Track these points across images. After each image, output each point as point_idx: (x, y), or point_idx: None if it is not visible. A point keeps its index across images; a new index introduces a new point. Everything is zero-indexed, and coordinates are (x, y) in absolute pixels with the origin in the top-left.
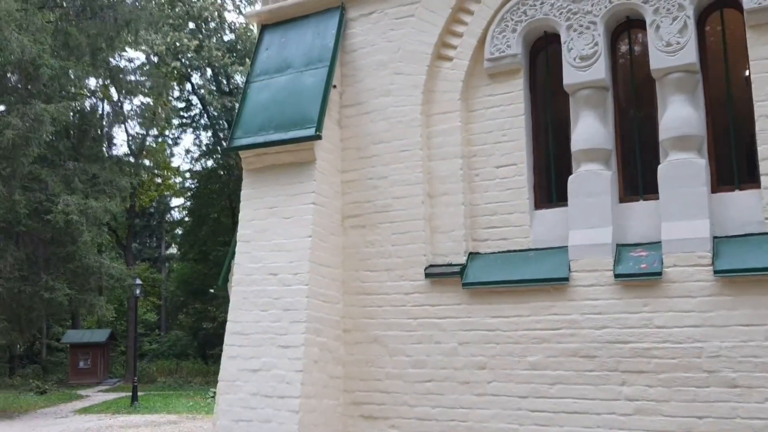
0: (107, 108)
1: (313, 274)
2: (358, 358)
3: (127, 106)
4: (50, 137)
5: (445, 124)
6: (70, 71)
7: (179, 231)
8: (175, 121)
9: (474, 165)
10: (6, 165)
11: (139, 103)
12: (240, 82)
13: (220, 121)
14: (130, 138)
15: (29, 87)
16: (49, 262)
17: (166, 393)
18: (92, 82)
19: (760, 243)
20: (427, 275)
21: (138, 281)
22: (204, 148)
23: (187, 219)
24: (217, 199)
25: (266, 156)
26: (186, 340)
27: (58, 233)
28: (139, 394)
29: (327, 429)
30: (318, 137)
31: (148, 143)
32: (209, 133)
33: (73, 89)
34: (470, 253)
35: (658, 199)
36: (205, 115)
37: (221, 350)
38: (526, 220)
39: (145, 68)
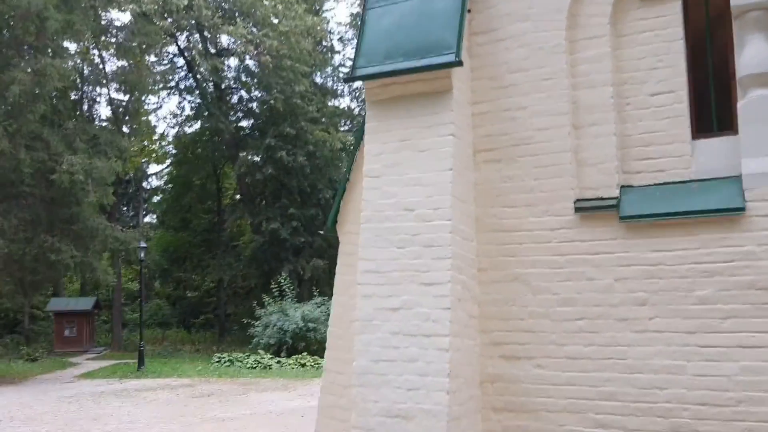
0: (87, 69)
1: (454, 209)
2: (495, 298)
3: (110, 68)
4: (55, 94)
5: (593, 51)
6: (74, 26)
7: (158, 198)
8: (160, 84)
9: (625, 93)
10: (12, 121)
11: (125, 64)
12: (227, 44)
13: (207, 84)
14: (114, 101)
15: (35, 41)
16: (53, 224)
17: (164, 360)
18: (72, 47)
19: None
20: (577, 210)
21: (143, 244)
22: (190, 112)
23: (168, 186)
24: (202, 165)
25: (394, 86)
26: (167, 309)
27: (62, 194)
28: (127, 362)
29: (469, 369)
30: (459, 63)
31: (131, 107)
32: (195, 96)
33: (76, 46)
34: (622, 186)
35: None
36: (192, 78)
37: (206, 319)
38: (687, 149)
39: (133, 27)
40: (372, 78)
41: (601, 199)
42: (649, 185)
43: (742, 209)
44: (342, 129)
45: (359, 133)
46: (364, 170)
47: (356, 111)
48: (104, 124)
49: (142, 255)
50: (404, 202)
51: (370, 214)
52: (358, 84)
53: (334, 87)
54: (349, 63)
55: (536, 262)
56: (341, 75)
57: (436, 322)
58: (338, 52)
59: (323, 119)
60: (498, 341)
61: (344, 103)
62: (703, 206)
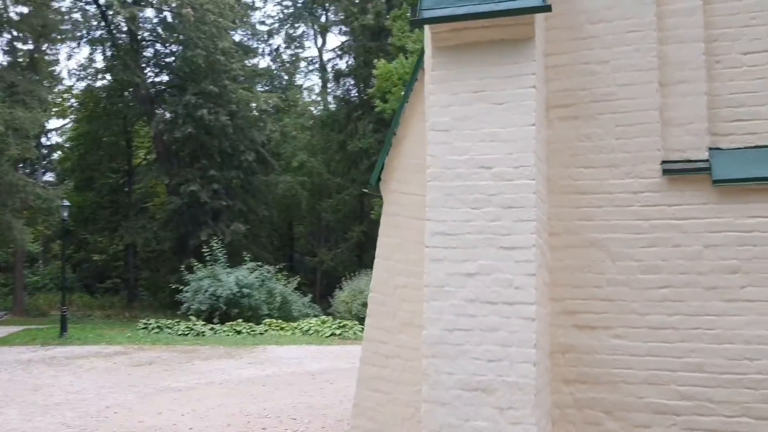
0: None
1: (537, 168)
2: (568, 264)
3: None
4: None
5: (683, 3)
6: None
7: (58, 155)
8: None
9: (714, 51)
10: None
11: (26, 10)
12: None
13: (121, 35)
14: (16, 49)
15: None
16: None
17: (78, 325)
18: None
19: None
20: (665, 172)
21: (66, 202)
22: (101, 64)
23: (72, 143)
24: (113, 121)
25: (467, 31)
26: (69, 273)
27: None
28: (37, 327)
29: (544, 339)
30: (547, 8)
31: (35, 55)
32: (107, 48)
33: None
34: (710, 149)
35: None
36: (105, 28)
37: (114, 283)
38: None
39: None
40: (440, 21)
41: (690, 161)
42: (740, 148)
43: None
44: (260, 90)
45: (409, 84)
46: (430, 123)
47: (276, 72)
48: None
49: (65, 214)
50: (480, 159)
51: (439, 171)
52: (277, 43)
53: (256, 46)
54: (269, 21)
55: (616, 226)
56: (261, 33)
57: (520, 289)
58: (258, 9)
59: (242, 78)
60: (571, 310)
61: (263, 63)
62: None
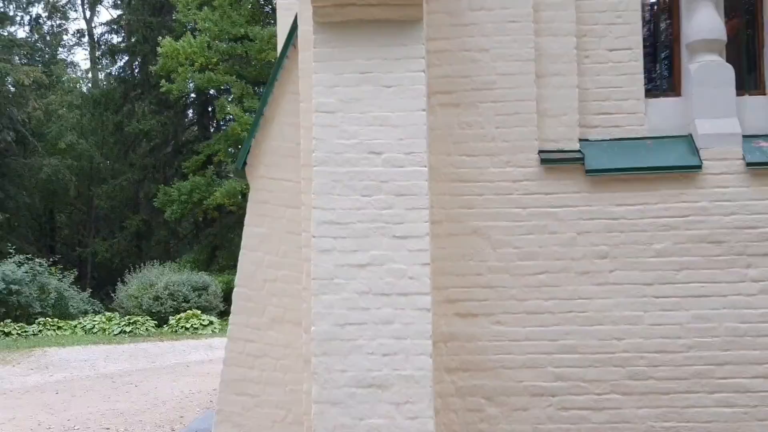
0: None
1: (428, 154)
2: (451, 252)
3: None
4: None
5: None
6: None
7: None
8: None
9: (584, 46)
10: None
11: None
12: None
13: None
14: None
15: None
16: None
17: None
18: None
19: None
20: (543, 161)
21: None
22: None
23: None
24: None
25: (352, 8)
26: None
27: None
28: None
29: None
30: None
31: None
32: None
33: None
34: (580, 140)
35: (765, 94)
36: None
37: None
38: (641, 107)
39: None
40: None
41: (564, 151)
42: (606, 140)
43: (700, 167)
44: (20, 63)
45: (278, 62)
46: (314, 104)
47: (37, 44)
48: None
49: None
50: (369, 144)
51: (325, 156)
52: (37, 11)
53: (13, 14)
54: None
55: (497, 214)
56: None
57: (415, 279)
58: None
59: None
60: (453, 298)
61: (22, 33)
62: (663, 162)
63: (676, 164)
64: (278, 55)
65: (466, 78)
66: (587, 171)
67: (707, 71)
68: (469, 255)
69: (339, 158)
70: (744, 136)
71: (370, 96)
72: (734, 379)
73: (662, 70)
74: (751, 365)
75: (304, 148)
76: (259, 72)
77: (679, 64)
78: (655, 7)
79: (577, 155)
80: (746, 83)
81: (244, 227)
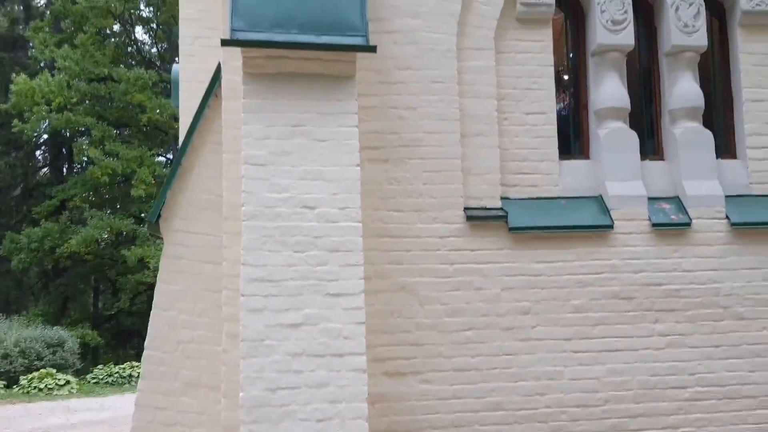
0: None
1: (361, 210)
2: (379, 309)
3: None
4: None
5: (479, 61)
6: None
7: None
8: None
9: (504, 108)
10: None
11: None
12: None
13: None
14: None
15: None
16: None
17: None
18: None
19: (757, 202)
20: (468, 218)
21: None
22: None
23: None
24: None
25: (286, 60)
26: None
27: None
28: None
29: None
30: (371, 49)
31: None
32: None
33: None
34: (502, 198)
35: (662, 160)
36: None
37: None
38: (555, 168)
39: None
40: (257, 46)
41: (487, 209)
42: (525, 199)
43: (611, 226)
44: None
45: (198, 111)
46: (244, 155)
47: None
48: None
49: None
50: (302, 198)
51: (255, 210)
52: None
53: None
54: None
55: (425, 270)
56: None
57: (350, 338)
58: None
59: None
60: (382, 357)
61: None
62: (578, 222)
63: (589, 223)
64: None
65: (395, 134)
66: (510, 228)
67: (615, 137)
68: (397, 312)
69: (270, 212)
70: (649, 198)
71: (303, 149)
72: (646, 430)
73: (573, 134)
74: (661, 416)
75: (227, 201)
76: (122, 113)
77: (588, 129)
78: (566, 76)
79: (501, 213)
80: (646, 149)
81: (157, 284)
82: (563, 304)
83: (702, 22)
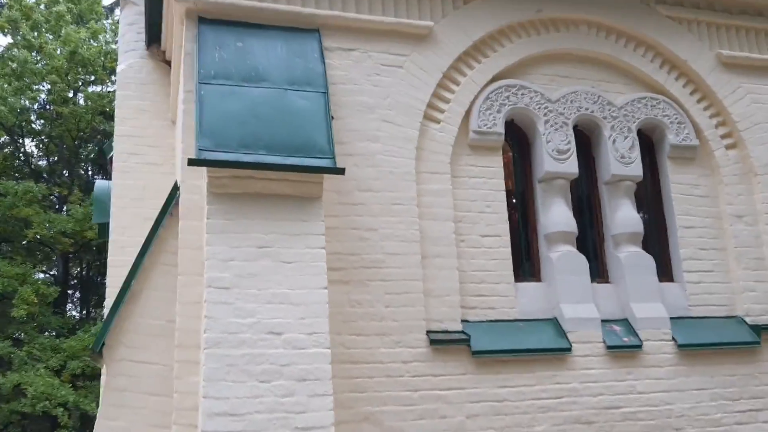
0: None
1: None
2: None
3: None
4: None
5: (437, 185)
6: None
7: None
8: None
9: (461, 231)
10: None
11: None
12: None
13: None
14: None
15: None
16: None
17: None
18: None
19: (698, 324)
20: (432, 341)
21: None
22: None
23: None
24: None
25: (252, 180)
26: None
27: None
28: None
29: None
30: (339, 171)
31: None
32: None
33: None
34: (462, 321)
35: (608, 282)
36: None
37: None
38: (512, 291)
39: None
40: (223, 166)
41: (450, 332)
42: (483, 321)
43: (570, 349)
44: None
45: (152, 232)
46: (207, 279)
47: None
48: None
49: None
50: (268, 323)
51: (218, 337)
52: None
53: None
54: None
55: (389, 398)
56: None
57: None
58: None
59: None
60: None
61: None
62: (537, 345)
63: (549, 346)
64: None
65: (356, 256)
66: (473, 353)
67: (566, 260)
68: None
69: (234, 339)
70: (601, 321)
71: (269, 271)
72: None
73: (525, 256)
74: None
75: (180, 327)
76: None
77: (538, 251)
78: (516, 200)
79: (463, 336)
80: (592, 272)
81: (97, 420)
82: (527, 430)
83: (637, 154)
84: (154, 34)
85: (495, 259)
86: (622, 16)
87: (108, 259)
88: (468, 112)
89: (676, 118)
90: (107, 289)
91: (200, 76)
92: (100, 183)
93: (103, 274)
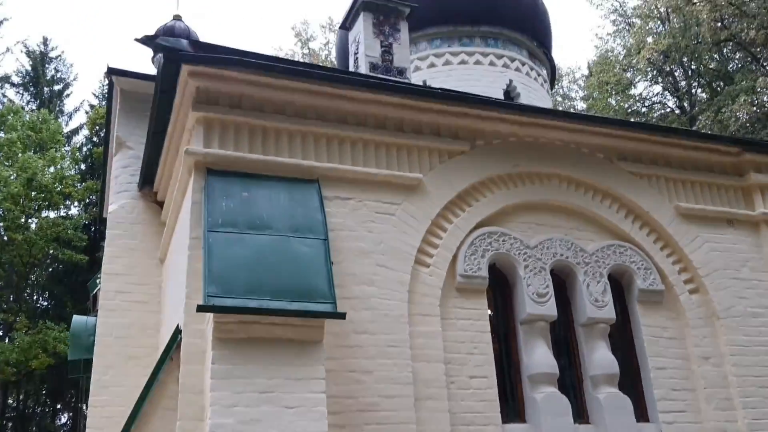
0: None
1: None
2: None
3: None
4: None
5: (428, 327)
6: None
7: None
8: None
9: (450, 372)
10: None
11: None
12: None
13: None
14: None
15: None
16: None
17: None
18: None
19: None
20: None
21: None
22: None
23: None
24: None
25: (257, 326)
26: None
27: None
28: None
29: None
30: (341, 315)
31: None
32: None
33: None
34: None
35: (588, 423)
36: None
37: None
38: None
39: None
40: (231, 312)
41: None
42: None
43: None
44: None
45: (152, 377)
46: (210, 425)
47: None
48: None
49: None
50: None
51: None
52: None
53: None
54: None
55: None
56: None
57: None
58: None
59: None
60: None
61: None
62: None
63: None
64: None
65: (352, 399)
66: None
67: (550, 401)
68: None
69: None
70: None
71: (272, 417)
72: None
73: (510, 397)
74: None
75: None
76: None
77: (522, 392)
78: (500, 341)
79: None
80: (572, 412)
81: None
82: None
83: (609, 298)
84: (148, 177)
85: (483, 401)
86: (589, 171)
87: (89, 399)
88: (455, 257)
89: (643, 264)
90: (87, 431)
91: (208, 224)
92: (78, 319)
93: (44, 405)
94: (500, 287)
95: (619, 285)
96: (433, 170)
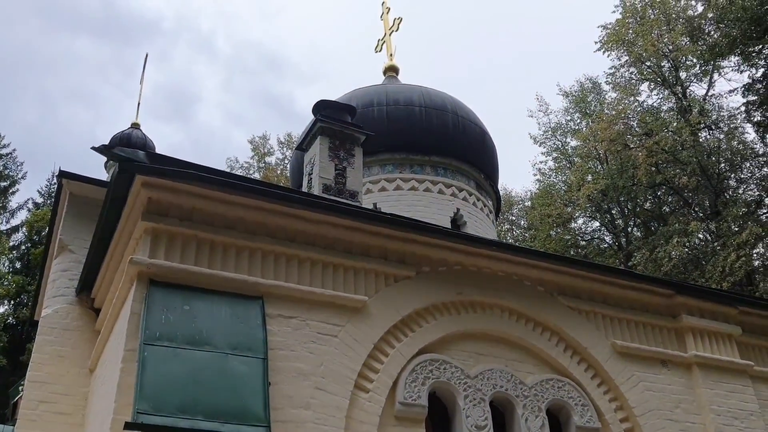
0: None
1: None
2: None
3: None
4: None
5: None
6: None
7: None
8: None
9: None
10: None
11: None
12: None
13: None
14: None
15: None
16: None
17: None
18: None
19: None
20: None
21: None
22: None
23: None
24: None
25: None
26: None
27: None
28: None
29: None
30: None
31: None
32: None
33: None
34: None
35: None
36: None
37: None
38: None
39: None
40: (160, 430)
41: None
42: None
43: None
44: None
45: None
46: None
47: None
48: None
49: None
50: None
51: None
52: None
53: None
54: None
55: None
56: None
57: None
58: None
59: None
60: None
61: None
62: None
63: None
64: None
65: None
66: None
67: None
68: None
69: None
70: None
71: None
72: None
73: None
74: None
75: None
76: None
77: None
78: None
79: None
80: None
81: None
82: None
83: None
84: (88, 282)
85: None
86: (530, 304)
87: None
88: (395, 383)
89: (580, 401)
90: None
91: (146, 337)
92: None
93: None
94: (439, 417)
95: (557, 420)
96: (378, 293)
